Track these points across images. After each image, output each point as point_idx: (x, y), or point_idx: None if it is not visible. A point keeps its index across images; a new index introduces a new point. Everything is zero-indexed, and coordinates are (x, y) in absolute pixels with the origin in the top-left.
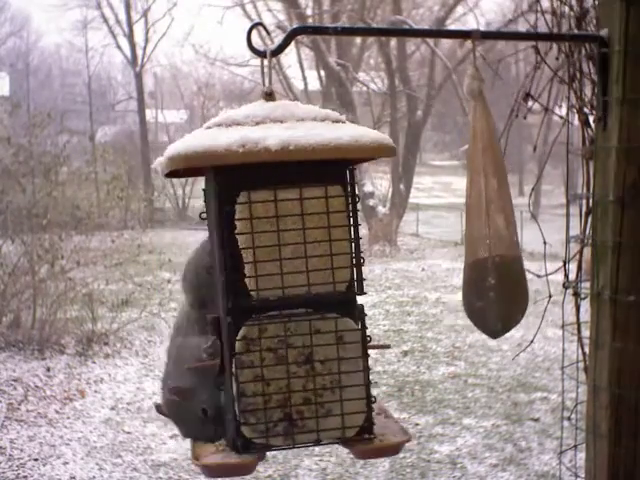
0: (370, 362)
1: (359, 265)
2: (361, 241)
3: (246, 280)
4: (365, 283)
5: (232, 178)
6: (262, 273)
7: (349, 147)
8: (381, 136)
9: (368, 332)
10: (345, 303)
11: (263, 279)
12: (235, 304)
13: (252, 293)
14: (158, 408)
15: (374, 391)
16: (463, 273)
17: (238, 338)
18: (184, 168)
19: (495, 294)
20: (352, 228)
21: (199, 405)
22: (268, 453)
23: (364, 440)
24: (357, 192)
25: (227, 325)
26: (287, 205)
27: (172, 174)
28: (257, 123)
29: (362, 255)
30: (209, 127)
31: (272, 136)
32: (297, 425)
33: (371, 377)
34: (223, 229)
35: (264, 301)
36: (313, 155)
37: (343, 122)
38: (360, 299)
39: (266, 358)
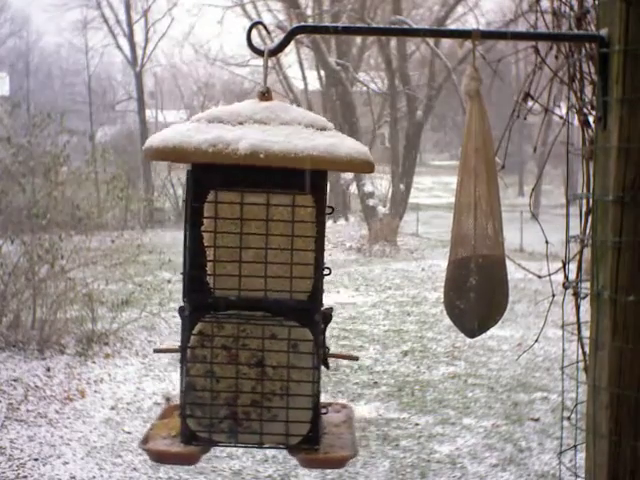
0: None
1: (322, 276)
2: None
3: (207, 277)
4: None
5: (205, 176)
6: (222, 273)
7: (321, 159)
8: (358, 150)
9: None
10: (304, 313)
11: (222, 278)
12: (194, 298)
13: (212, 290)
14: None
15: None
16: (446, 271)
17: (194, 332)
18: (154, 160)
19: (475, 294)
20: (318, 239)
21: None
22: (267, 452)
23: (308, 449)
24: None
25: (184, 318)
26: (253, 209)
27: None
28: (240, 123)
29: (326, 267)
30: (192, 121)
31: (245, 139)
32: (242, 425)
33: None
34: (190, 224)
35: (224, 300)
36: (283, 163)
37: (329, 130)
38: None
39: (219, 355)
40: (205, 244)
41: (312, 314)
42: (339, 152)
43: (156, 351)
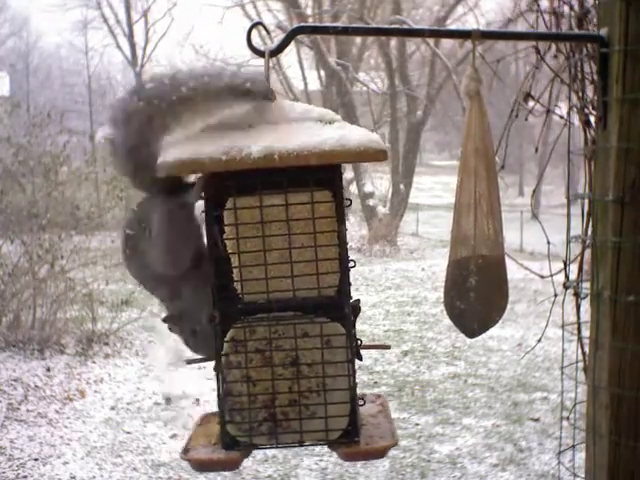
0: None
1: (348, 269)
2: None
3: (235, 284)
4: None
5: (221, 183)
6: (248, 277)
7: (333, 152)
8: (370, 139)
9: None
10: (334, 307)
11: (250, 283)
12: (224, 307)
13: (240, 296)
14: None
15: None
16: (446, 271)
17: (226, 339)
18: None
19: (475, 294)
20: (340, 233)
21: (189, 326)
22: (267, 452)
23: (349, 443)
24: (346, 196)
25: (215, 327)
26: (273, 211)
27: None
28: (250, 125)
29: (351, 260)
30: (202, 130)
31: (258, 142)
32: (281, 425)
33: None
34: (212, 233)
35: (252, 304)
36: (297, 161)
37: (338, 122)
38: (360, 300)
39: (253, 359)
40: (229, 251)
41: (342, 308)
42: (350, 144)
43: (189, 362)
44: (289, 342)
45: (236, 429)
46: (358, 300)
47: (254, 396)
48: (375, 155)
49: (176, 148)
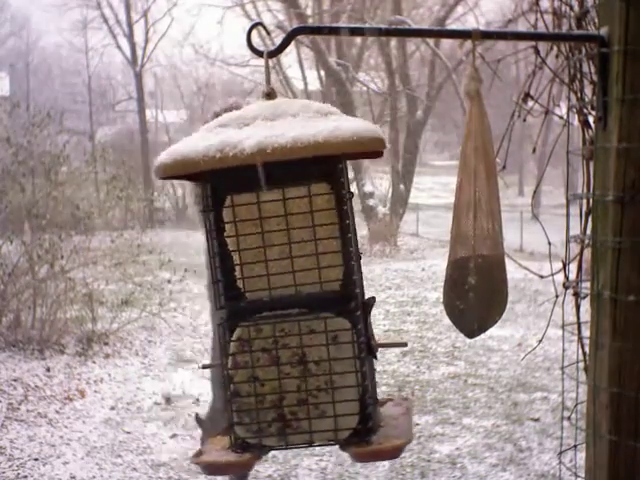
0: (406, 347)
1: (352, 262)
2: (361, 241)
3: (238, 282)
4: (365, 283)
5: (218, 182)
6: (250, 275)
7: (327, 143)
8: (365, 128)
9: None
10: (339, 302)
11: (252, 280)
12: (228, 306)
13: (244, 294)
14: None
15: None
16: (445, 271)
17: (233, 339)
18: (167, 177)
19: (474, 295)
20: (342, 225)
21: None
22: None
23: (360, 442)
24: (349, 189)
25: (221, 326)
26: (271, 206)
27: (172, 178)
28: (246, 124)
29: (360, 252)
30: (199, 131)
31: (250, 138)
32: (290, 426)
33: None
34: (211, 232)
35: (257, 302)
36: (291, 154)
37: (335, 114)
38: (366, 296)
39: (260, 359)
40: (230, 249)
41: (347, 302)
42: (345, 134)
43: (204, 367)
44: (295, 340)
45: (245, 430)
46: (373, 297)
47: (262, 396)
48: (371, 144)
49: (169, 151)
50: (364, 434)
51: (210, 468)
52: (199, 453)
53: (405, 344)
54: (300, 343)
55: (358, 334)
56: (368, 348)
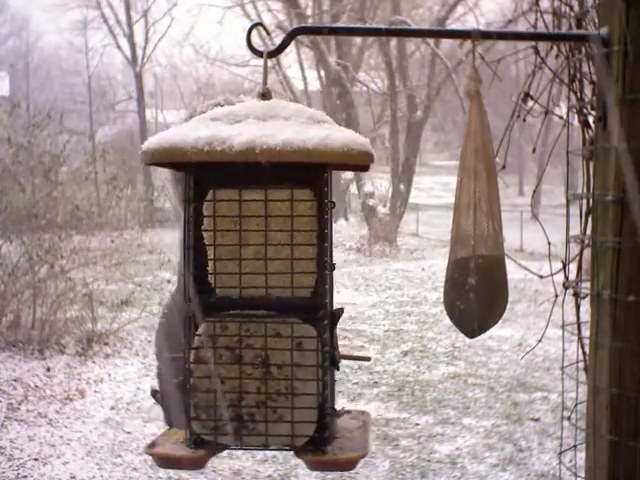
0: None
1: (326, 271)
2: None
3: (209, 277)
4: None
5: (203, 175)
6: (222, 271)
7: (316, 151)
8: (355, 141)
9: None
10: (308, 309)
11: (224, 277)
12: (197, 299)
13: (214, 290)
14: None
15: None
16: (446, 271)
17: (198, 333)
18: (153, 163)
19: (475, 295)
20: (320, 233)
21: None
22: (267, 452)
23: (316, 451)
24: (331, 198)
25: (188, 319)
26: (252, 206)
27: (158, 164)
28: (237, 121)
29: (334, 262)
30: (190, 122)
31: (240, 135)
32: (247, 427)
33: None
34: (189, 224)
35: (227, 299)
36: (279, 157)
37: (327, 123)
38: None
39: (223, 356)
40: (206, 243)
41: (315, 310)
42: (335, 144)
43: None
44: (260, 341)
45: (201, 427)
46: (342, 309)
47: (221, 394)
48: (360, 157)
49: (158, 137)
50: (320, 443)
51: (163, 461)
52: (152, 444)
53: (368, 359)
54: (265, 345)
55: (323, 343)
56: (331, 358)
